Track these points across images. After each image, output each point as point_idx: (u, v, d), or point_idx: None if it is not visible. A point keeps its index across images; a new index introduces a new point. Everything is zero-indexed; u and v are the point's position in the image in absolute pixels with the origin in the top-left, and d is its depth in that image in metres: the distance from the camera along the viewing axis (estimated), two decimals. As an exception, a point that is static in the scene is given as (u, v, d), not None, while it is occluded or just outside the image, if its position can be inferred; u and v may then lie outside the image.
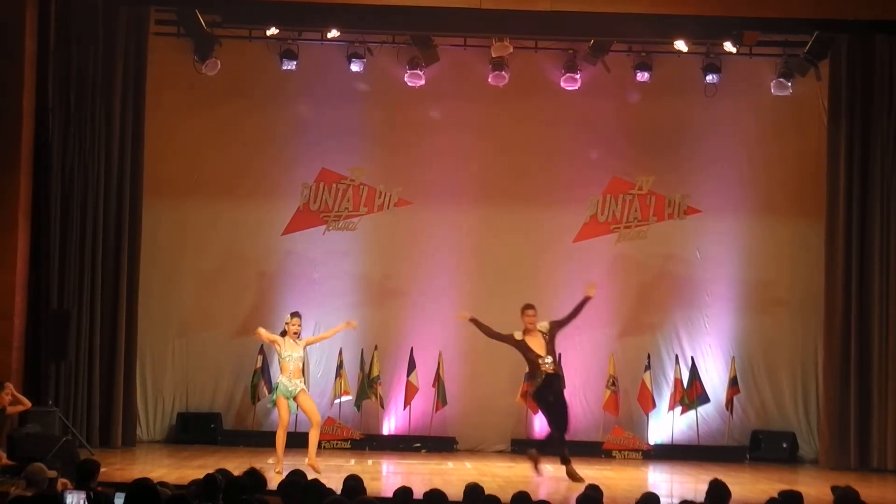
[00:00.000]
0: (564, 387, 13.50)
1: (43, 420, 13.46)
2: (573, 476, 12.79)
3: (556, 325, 13.30)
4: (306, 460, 12.62)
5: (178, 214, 16.61)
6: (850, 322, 15.70)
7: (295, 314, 12.97)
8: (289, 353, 12.73)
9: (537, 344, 13.11)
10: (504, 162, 16.87)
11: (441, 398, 16.32)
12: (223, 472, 8.08)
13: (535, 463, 13.03)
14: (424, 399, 16.45)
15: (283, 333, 12.89)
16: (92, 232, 15.31)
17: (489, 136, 16.86)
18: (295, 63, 16.39)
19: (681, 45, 15.92)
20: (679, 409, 16.46)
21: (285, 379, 12.71)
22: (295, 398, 12.76)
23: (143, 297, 15.85)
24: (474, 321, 13.38)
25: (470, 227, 16.88)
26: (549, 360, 13.04)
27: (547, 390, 13.07)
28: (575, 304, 13.35)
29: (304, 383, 13.05)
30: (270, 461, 14.04)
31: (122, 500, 7.19)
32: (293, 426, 16.32)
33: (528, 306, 13.30)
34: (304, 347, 13.03)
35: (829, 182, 15.99)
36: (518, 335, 13.18)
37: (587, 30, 15.66)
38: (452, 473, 12.83)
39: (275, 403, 12.89)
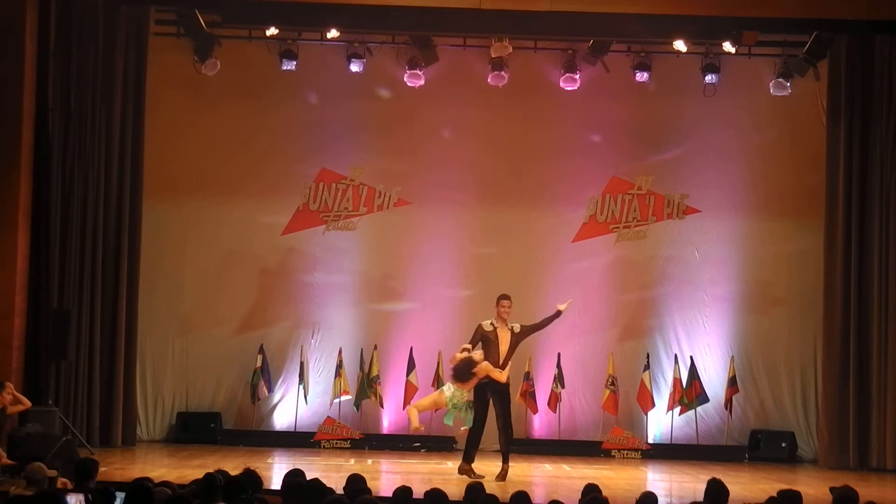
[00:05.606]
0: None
1: (43, 419, 13.45)
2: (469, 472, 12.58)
3: (528, 330, 12.93)
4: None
5: (178, 214, 16.61)
6: (849, 321, 15.69)
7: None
8: None
9: (504, 342, 12.72)
10: (503, 162, 16.87)
11: (441, 398, 16.31)
12: (223, 472, 8.09)
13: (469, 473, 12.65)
14: (424, 399, 16.45)
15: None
16: (92, 232, 15.31)
17: (488, 136, 16.87)
18: (295, 63, 16.40)
19: (680, 45, 15.93)
20: (678, 408, 16.47)
21: None
22: None
23: (144, 296, 15.85)
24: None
25: (469, 226, 16.89)
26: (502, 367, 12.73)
27: (488, 388, 12.77)
28: (547, 315, 12.95)
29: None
30: (270, 460, 14.08)
31: (121, 500, 7.22)
32: (293, 426, 16.44)
33: (506, 297, 12.96)
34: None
35: (828, 182, 15.99)
36: (487, 326, 12.79)
37: (586, 30, 15.67)
38: (452, 473, 12.82)
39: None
